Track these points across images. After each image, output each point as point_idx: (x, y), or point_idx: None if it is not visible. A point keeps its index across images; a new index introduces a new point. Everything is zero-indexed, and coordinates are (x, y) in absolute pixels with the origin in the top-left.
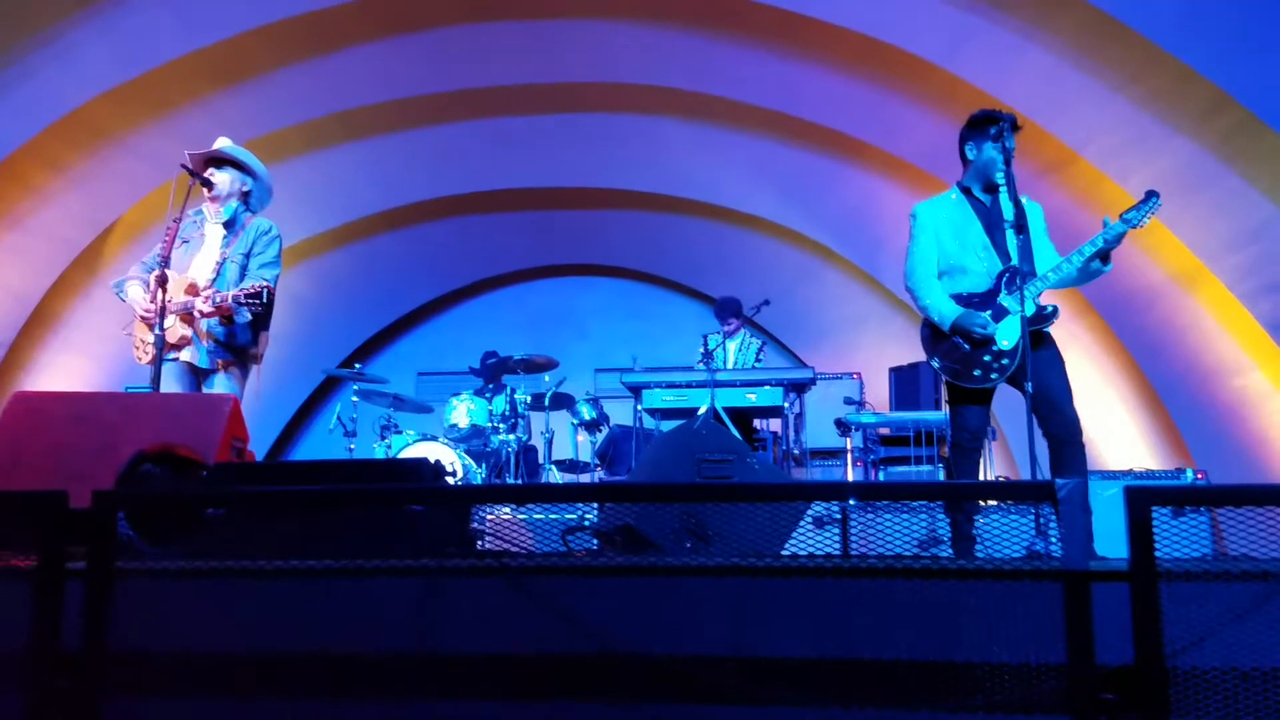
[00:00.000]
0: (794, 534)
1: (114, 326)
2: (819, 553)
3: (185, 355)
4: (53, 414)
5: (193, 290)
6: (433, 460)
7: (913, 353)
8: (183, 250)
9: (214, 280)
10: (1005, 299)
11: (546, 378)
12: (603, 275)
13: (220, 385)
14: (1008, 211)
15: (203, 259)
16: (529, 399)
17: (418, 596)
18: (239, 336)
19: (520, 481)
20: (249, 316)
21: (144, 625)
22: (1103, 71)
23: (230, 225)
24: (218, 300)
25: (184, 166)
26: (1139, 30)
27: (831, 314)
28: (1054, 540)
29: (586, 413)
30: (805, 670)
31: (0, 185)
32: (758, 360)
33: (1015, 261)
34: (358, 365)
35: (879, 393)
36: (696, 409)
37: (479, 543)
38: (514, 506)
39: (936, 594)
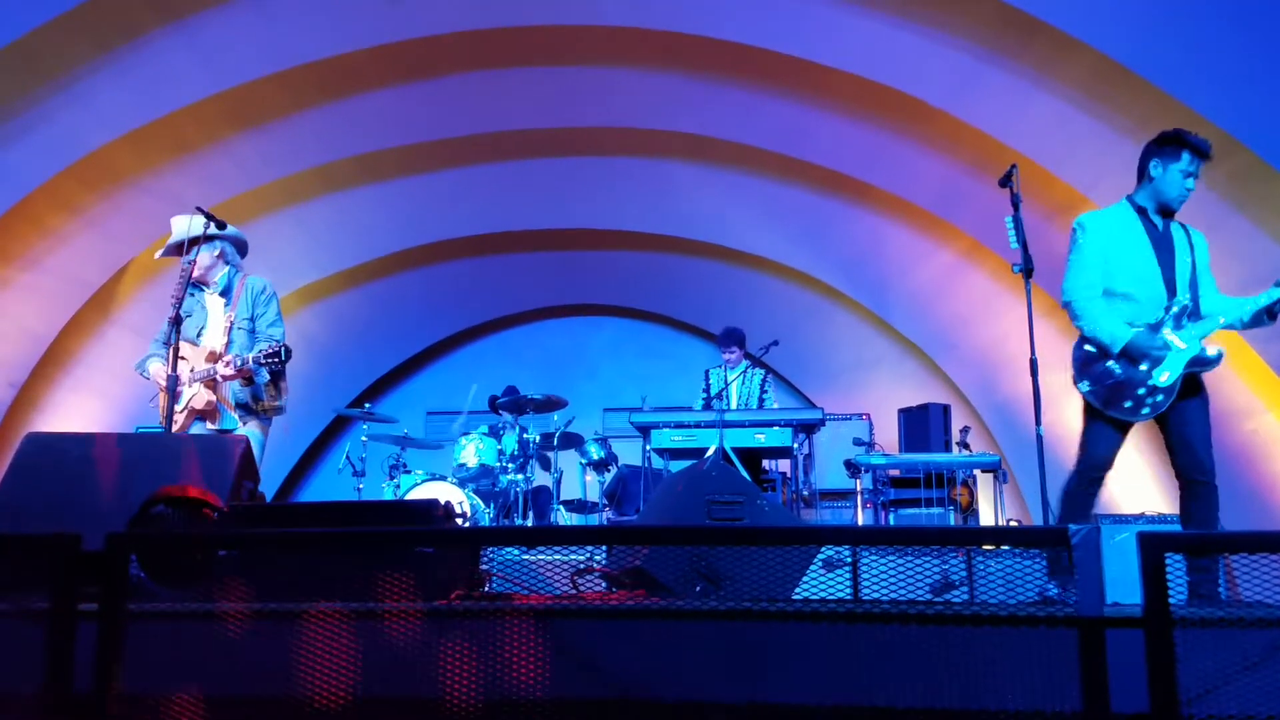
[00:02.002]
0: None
1: (127, 366)
2: (829, 596)
3: (212, 425)
4: (65, 454)
5: (213, 358)
6: (441, 501)
7: (922, 394)
8: (188, 324)
9: (228, 346)
10: (1172, 333)
11: (555, 417)
12: (612, 315)
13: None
14: (1180, 240)
15: (212, 330)
16: (538, 438)
17: (427, 639)
18: (261, 396)
19: (529, 522)
20: (268, 376)
21: (156, 667)
22: (1110, 116)
23: (227, 292)
24: (239, 364)
25: (199, 209)
26: (1146, 77)
27: (840, 355)
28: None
29: (595, 452)
30: (815, 717)
31: (16, 226)
32: (763, 390)
33: (1184, 293)
34: (367, 405)
35: (888, 434)
36: (705, 449)
37: (487, 584)
38: (522, 548)
39: (949, 640)
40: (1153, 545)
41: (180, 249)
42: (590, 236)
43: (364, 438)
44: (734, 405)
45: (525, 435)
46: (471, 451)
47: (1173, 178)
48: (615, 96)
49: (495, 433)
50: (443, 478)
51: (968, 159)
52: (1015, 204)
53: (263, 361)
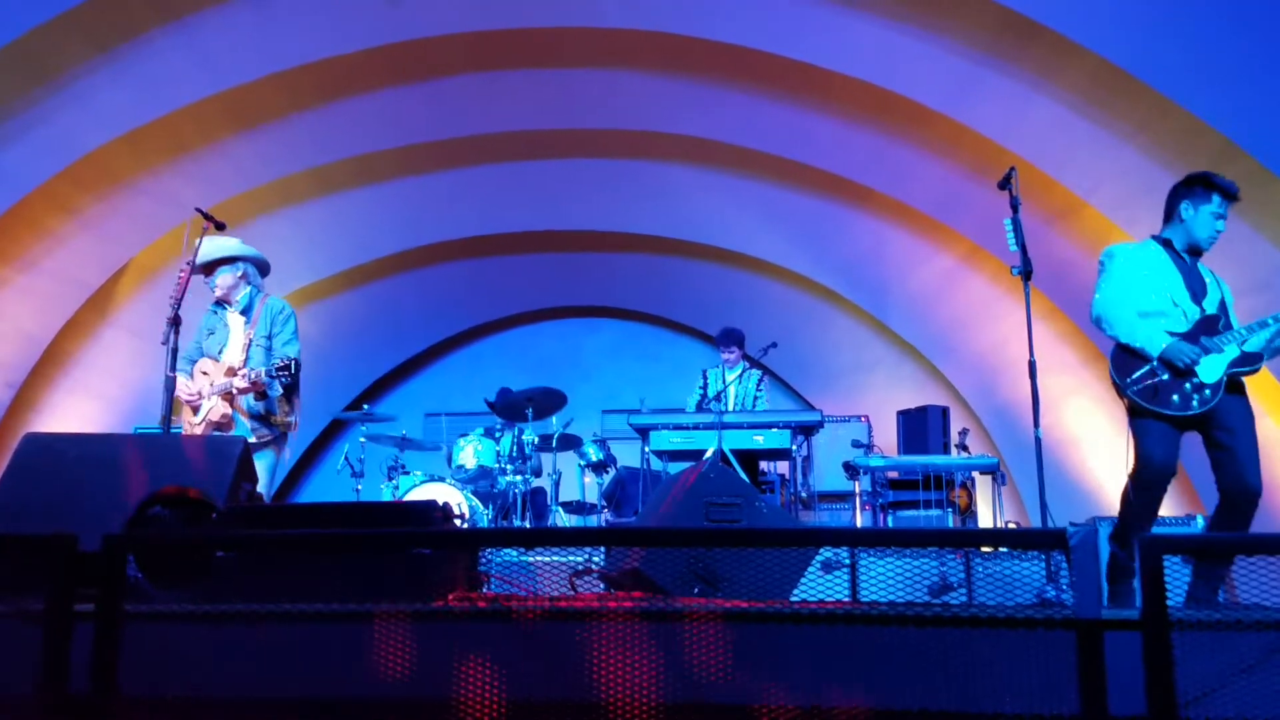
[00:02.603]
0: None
1: (124, 368)
2: (827, 598)
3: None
4: (63, 455)
5: (231, 373)
6: (440, 502)
7: (921, 397)
8: (211, 341)
9: (245, 362)
10: (1207, 340)
11: (554, 419)
12: (611, 317)
13: (262, 457)
14: (1207, 275)
15: (232, 346)
16: (536, 440)
17: (425, 640)
18: (274, 410)
19: (527, 523)
20: (280, 390)
21: (152, 669)
22: (1111, 121)
23: (247, 311)
24: (252, 377)
25: (198, 209)
26: (1147, 82)
27: (839, 357)
28: (1065, 587)
29: (594, 454)
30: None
31: (13, 227)
32: (758, 389)
33: (1214, 310)
34: (366, 406)
35: (887, 436)
36: (704, 451)
37: (485, 585)
38: (520, 549)
39: (948, 642)
40: (1152, 548)
41: (206, 270)
42: (589, 238)
43: (363, 439)
44: (731, 406)
45: (523, 437)
46: (470, 453)
47: (1204, 220)
48: (614, 98)
49: (492, 434)
50: (441, 479)
51: (967, 163)
52: (1014, 207)
53: (274, 374)
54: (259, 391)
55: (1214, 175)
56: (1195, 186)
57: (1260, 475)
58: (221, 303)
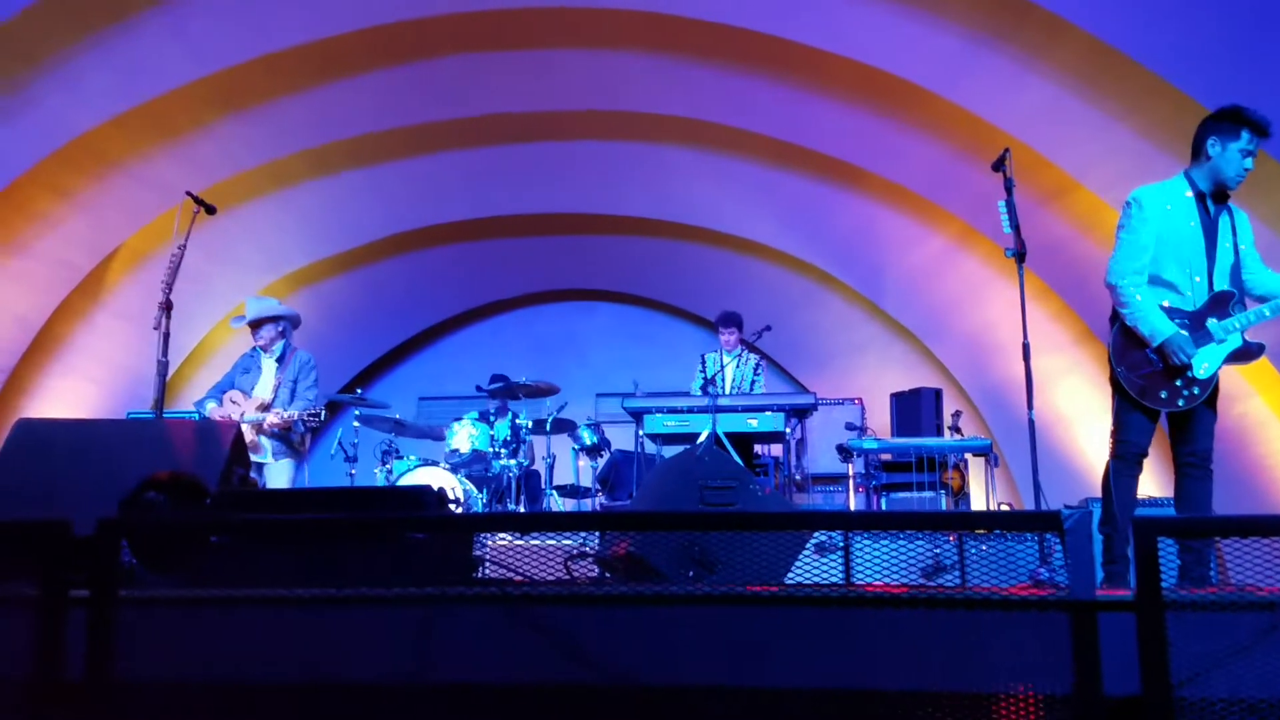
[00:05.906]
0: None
1: (117, 352)
2: (821, 580)
3: (255, 457)
4: (56, 440)
5: (263, 407)
6: (434, 487)
7: (914, 378)
8: (245, 378)
9: (274, 400)
10: (1213, 325)
11: (548, 402)
12: (605, 300)
13: (278, 470)
14: (1224, 227)
15: (262, 384)
16: (530, 424)
17: (420, 625)
18: (294, 440)
19: (522, 507)
20: (304, 430)
21: (146, 654)
22: (1103, 101)
23: (281, 360)
24: (285, 417)
25: (189, 194)
26: (1139, 60)
27: (833, 339)
28: (1059, 568)
29: (588, 438)
30: (809, 701)
31: (4, 211)
32: (755, 374)
33: (1224, 283)
34: (359, 390)
35: (880, 418)
36: (698, 434)
37: (480, 570)
38: (515, 534)
39: (941, 623)
40: (1146, 530)
41: (253, 325)
42: (583, 221)
43: (356, 423)
44: (728, 390)
45: (518, 420)
46: (464, 437)
47: (1231, 157)
48: (607, 80)
49: (486, 418)
50: (435, 463)
51: (960, 144)
52: (1008, 188)
53: (304, 419)
54: (286, 427)
55: (1246, 109)
56: (1224, 121)
57: (1213, 442)
58: (258, 348)
